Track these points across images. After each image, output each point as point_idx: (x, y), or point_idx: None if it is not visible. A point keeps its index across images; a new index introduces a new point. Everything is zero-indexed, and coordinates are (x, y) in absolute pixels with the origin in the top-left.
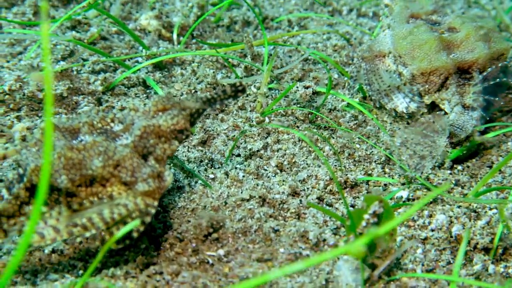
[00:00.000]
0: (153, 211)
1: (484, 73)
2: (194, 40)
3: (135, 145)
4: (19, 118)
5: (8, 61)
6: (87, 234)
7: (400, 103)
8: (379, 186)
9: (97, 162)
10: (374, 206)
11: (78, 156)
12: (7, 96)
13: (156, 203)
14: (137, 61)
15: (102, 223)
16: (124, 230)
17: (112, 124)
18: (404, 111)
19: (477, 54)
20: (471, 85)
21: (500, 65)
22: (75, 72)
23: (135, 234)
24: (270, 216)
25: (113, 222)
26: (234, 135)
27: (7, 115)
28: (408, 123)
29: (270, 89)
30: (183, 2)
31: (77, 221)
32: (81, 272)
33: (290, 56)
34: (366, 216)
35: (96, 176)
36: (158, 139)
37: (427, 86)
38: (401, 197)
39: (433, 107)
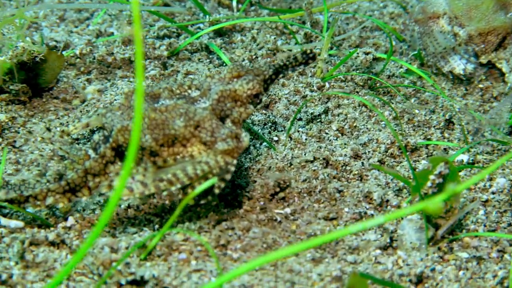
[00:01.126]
0: (232, 169)
1: None
2: (252, 8)
3: (213, 108)
4: (89, 81)
5: (76, 26)
6: (173, 189)
7: (457, 64)
8: (439, 150)
9: (179, 122)
10: (440, 166)
11: (161, 116)
12: (78, 60)
13: (235, 162)
14: (199, 28)
15: (186, 178)
16: (203, 186)
17: (189, 91)
18: (462, 72)
19: None
20: None
21: None
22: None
23: (216, 191)
24: (334, 177)
25: (196, 177)
26: (296, 100)
27: (78, 78)
28: (466, 90)
29: (329, 55)
30: None
31: (163, 176)
32: (157, 226)
33: (347, 24)
34: (432, 177)
35: (178, 136)
36: (235, 103)
37: (483, 46)
38: (462, 160)
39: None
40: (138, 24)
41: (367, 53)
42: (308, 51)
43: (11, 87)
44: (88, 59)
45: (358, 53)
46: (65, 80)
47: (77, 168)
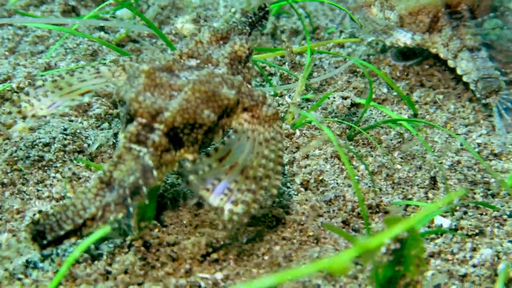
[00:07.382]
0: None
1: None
2: None
3: (231, 72)
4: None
5: (26, 60)
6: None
7: (403, 36)
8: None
9: (227, 91)
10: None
11: (210, 87)
12: (14, 94)
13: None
14: None
15: (280, 166)
16: (98, 234)
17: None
18: (409, 42)
19: None
20: (466, 27)
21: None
22: None
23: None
24: (283, 239)
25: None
26: None
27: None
28: (461, 145)
29: (307, 100)
30: (227, 8)
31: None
32: None
33: (336, 67)
34: (386, 241)
35: (230, 106)
36: (240, 64)
37: (415, 26)
38: (441, 225)
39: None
40: None
41: (344, 98)
42: (263, 6)
43: None
44: None
45: (334, 97)
46: None
47: None
